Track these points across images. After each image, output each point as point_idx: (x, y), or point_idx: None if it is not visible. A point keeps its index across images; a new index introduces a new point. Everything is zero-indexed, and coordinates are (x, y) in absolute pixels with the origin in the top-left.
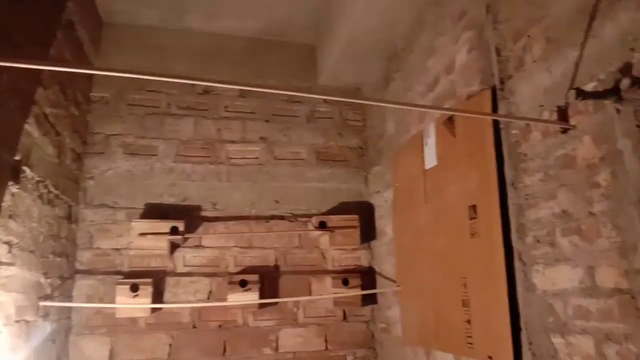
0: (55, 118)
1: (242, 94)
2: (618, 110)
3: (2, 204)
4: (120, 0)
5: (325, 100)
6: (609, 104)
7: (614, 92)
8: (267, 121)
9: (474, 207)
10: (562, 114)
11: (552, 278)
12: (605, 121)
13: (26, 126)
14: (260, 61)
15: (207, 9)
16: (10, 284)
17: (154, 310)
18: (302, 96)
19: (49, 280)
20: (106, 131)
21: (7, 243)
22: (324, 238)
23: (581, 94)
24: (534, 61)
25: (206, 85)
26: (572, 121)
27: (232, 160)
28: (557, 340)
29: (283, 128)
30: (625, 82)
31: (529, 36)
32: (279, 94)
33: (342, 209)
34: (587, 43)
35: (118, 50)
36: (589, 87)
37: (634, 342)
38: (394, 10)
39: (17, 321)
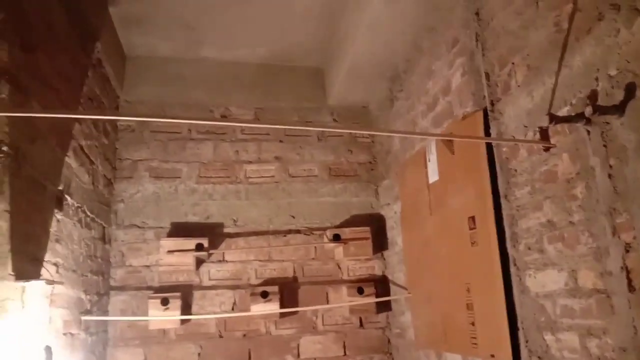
0: (89, 149)
1: (257, 117)
2: (588, 132)
3: (50, 230)
4: (141, 33)
5: (334, 119)
6: (580, 126)
7: (583, 116)
8: (280, 141)
9: (472, 218)
10: (544, 134)
11: (542, 281)
12: (579, 141)
13: (66, 159)
14: (272, 85)
15: (222, 40)
16: (58, 301)
17: (183, 321)
18: (313, 117)
19: (88, 297)
20: (133, 157)
21: (55, 264)
22: (338, 250)
23: (554, 119)
24: (518, 86)
25: (223, 110)
26: (553, 140)
27: (250, 179)
28: (548, 337)
29: (296, 147)
30: (588, 110)
31: (513, 63)
32: (291, 118)
33: (354, 221)
34: (560, 72)
35: (141, 82)
36: (563, 111)
37: (611, 336)
38: (393, 35)
39: (64, 334)
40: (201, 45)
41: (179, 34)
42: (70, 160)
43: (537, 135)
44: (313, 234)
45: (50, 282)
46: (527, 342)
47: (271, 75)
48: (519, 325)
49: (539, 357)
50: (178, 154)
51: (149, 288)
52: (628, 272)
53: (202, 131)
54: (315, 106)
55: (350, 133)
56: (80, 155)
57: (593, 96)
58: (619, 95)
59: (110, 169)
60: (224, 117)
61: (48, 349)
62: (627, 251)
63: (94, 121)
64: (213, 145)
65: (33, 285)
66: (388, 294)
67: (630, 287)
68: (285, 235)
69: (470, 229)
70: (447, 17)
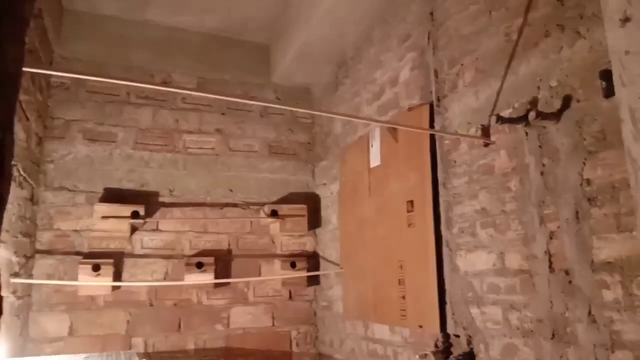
0: (26, 104)
1: (200, 87)
2: (527, 133)
3: None
4: None
5: (277, 97)
6: (520, 127)
7: (524, 119)
8: (223, 114)
9: (411, 202)
10: (485, 131)
11: (472, 261)
12: (517, 140)
13: None
14: (217, 57)
15: (169, 4)
16: None
17: (113, 289)
18: (257, 93)
19: (17, 259)
20: (66, 116)
21: None
22: (274, 225)
23: (500, 119)
24: (465, 86)
25: (164, 77)
26: (493, 138)
27: (189, 150)
28: (474, 310)
29: (238, 121)
30: (532, 114)
31: (462, 64)
32: (234, 91)
33: (290, 198)
34: (506, 77)
35: (79, 38)
36: (505, 112)
37: (530, 309)
38: (348, 22)
39: None
40: (147, 6)
41: None
42: None
43: (479, 132)
44: (250, 208)
45: None
46: (453, 314)
47: (217, 47)
48: (447, 299)
49: (464, 328)
50: (115, 117)
51: (78, 253)
52: (550, 256)
53: (141, 96)
54: (259, 82)
55: (292, 113)
56: (19, 111)
57: (534, 102)
58: (557, 104)
59: (42, 127)
60: (164, 83)
61: None
62: (551, 238)
63: (32, 75)
64: (152, 111)
65: None
66: (318, 269)
67: (551, 269)
68: (222, 208)
69: (408, 211)
70: (402, 12)
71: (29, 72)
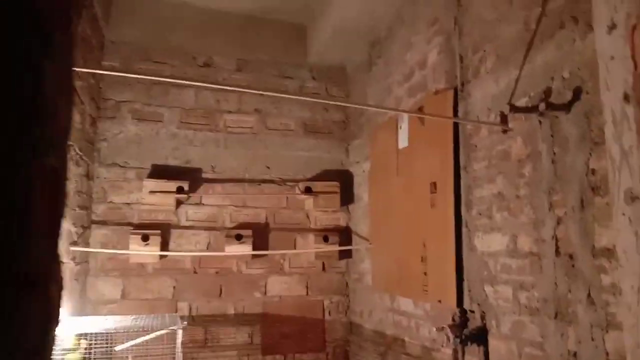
0: (80, 89)
1: (239, 68)
2: (540, 122)
3: None
4: None
5: (313, 77)
6: (534, 116)
7: (537, 109)
8: (261, 94)
9: (434, 184)
10: (504, 118)
11: (488, 242)
12: (532, 128)
13: None
14: (255, 37)
15: None
16: None
17: (161, 257)
18: (293, 73)
19: (75, 229)
20: (117, 98)
21: None
22: (308, 201)
23: (514, 109)
24: (487, 72)
25: (206, 58)
26: (510, 125)
27: (229, 129)
28: (488, 288)
29: (275, 101)
30: (542, 105)
31: (484, 50)
32: (271, 72)
33: (324, 175)
34: (524, 66)
35: (125, 22)
36: (522, 101)
37: (537, 289)
38: (380, 3)
39: None
40: None
41: None
42: None
43: (498, 119)
44: (286, 184)
45: None
46: (469, 291)
47: (254, 28)
48: (465, 277)
49: (478, 304)
50: (161, 98)
51: (129, 224)
52: (557, 240)
53: (185, 77)
54: (295, 62)
55: (327, 92)
56: (74, 95)
57: (548, 92)
58: (568, 95)
59: (95, 108)
60: (206, 65)
61: None
62: (558, 223)
63: (85, 61)
64: (195, 92)
65: None
66: (350, 243)
67: (557, 253)
68: (259, 184)
69: (431, 192)
70: None
71: (82, 59)
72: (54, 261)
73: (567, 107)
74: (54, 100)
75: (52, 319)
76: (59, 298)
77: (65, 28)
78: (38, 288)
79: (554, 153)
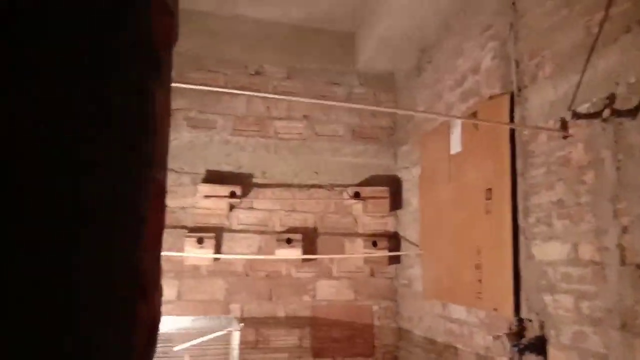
0: None
1: (289, 76)
2: (603, 128)
3: None
4: None
5: (360, 83)
6: (597, 122)
7: (600, 115)
8: (309, 102)
9: (489, 190)
10: (563, 124)
11: (547, 251)
12: (594, 134)
13: None
14: (304, 46)
15: None
16: None
17: (214, 259)
18: (341, 80)
19: None
20: (172, 106)
21: None
22: (357, 206)
23: (576, 115)
24: (545, 78)
25: (257, 67)
26: (571, 131)
27: (279, 135)
28: (547, 297)
29: (323, 107)
30: (606, 112)
31: (542, 56)
32: (319, 79)
33: (372, 181)
34: (585, 72)
35: (180, 35)
36: (583, 107)
37: (600, 299)
38: (427, 12)
39: None
40: (238, 1)
41: None
42: None
43: (557, 125)
44: (334, 190)
45: None
46: (527, 300)
47: (303, 37)
48: (522, 286)
49: (536, 313)
50: (214, 106)
51: (183, 227)
52: (622, 249)
53: (236, 86)
54: (343, 69)
55: (376, 98)
56: None
57: (612, 98)
58: (634, 101)
59: None
60: (257, 73)
61: None
62: (624, 232)
63: None
64: (246, 99)
65: None
66: (398, 249)
67: (622, 262)
68: (308, 189)
69: (487, 199)
70: (478, 3)
71: None
72: (158, 272)
73: (632, 113)
74: (162, 119)
75: (156, 325)
76: (160, 306)
77: (169, 48)
78: (147, 298)
79: (618, 160)
